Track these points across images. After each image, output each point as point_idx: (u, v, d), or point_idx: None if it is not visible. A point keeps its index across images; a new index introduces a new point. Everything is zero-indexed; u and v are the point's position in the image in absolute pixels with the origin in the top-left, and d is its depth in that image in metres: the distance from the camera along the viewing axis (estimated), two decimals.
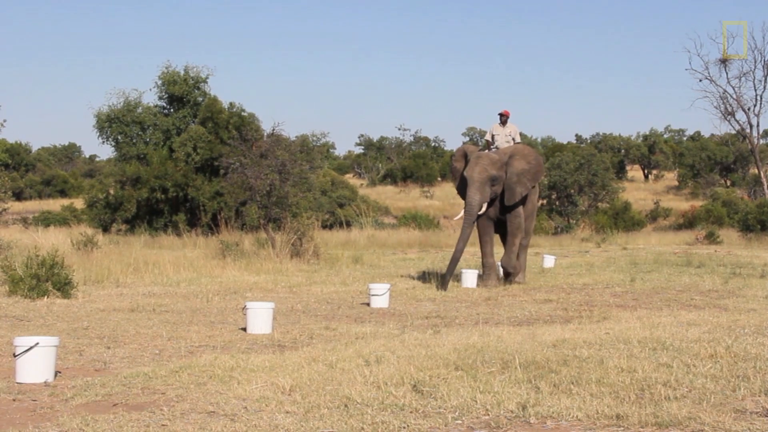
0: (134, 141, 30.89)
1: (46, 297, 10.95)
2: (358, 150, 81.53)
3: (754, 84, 38.50)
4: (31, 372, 5.84)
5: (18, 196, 50.44)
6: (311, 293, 12.03)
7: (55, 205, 48.96)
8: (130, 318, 9.35)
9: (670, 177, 66.89)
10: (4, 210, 21.48)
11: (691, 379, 5.37)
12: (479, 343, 6.78)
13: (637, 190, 58.98)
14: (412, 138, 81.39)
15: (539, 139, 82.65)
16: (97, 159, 75.95)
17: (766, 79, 38.18)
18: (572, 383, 5.29)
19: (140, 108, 31.24)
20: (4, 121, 19.81)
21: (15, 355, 5.92)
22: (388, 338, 7.56)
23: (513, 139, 13.38)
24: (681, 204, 49.50)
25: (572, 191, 40.36)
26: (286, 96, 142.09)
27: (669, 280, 13.65)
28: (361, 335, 7.93)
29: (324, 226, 29.32)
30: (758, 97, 38.49)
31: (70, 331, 8.35)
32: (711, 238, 27.85)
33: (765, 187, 38.53)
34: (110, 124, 30.77)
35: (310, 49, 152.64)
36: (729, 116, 39.20)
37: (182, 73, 30.98)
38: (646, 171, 71.46)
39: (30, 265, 11.26)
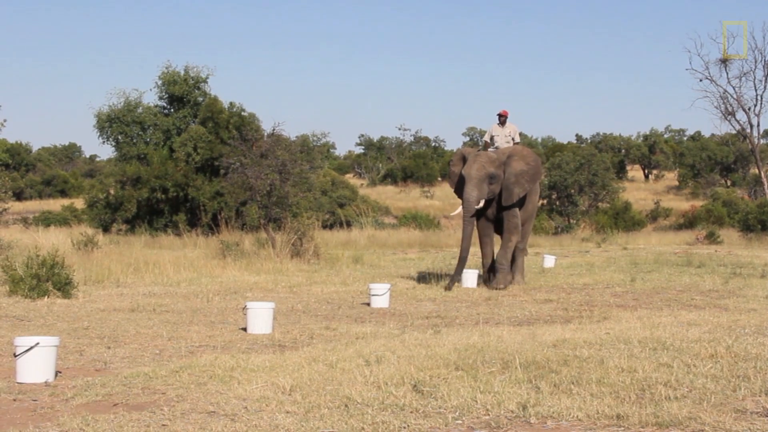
0: (134, 141, 30.91)
1: (46, 297, 10.95)
2: (359, 150, 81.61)
3: (754, 84, 38.50)
4: (32, 372, 5.84)
5: (18, 196, 50.44)
6: (311, 293, 12.03)
7: (55, 205, 49.00)
8: (130, 318, 9.35)
9: (671, 177, 66.90)
10: (5, 210, 21.50)
11: (692, 379, 5.36)
12: (479, 343, 6.78)
13: (638, 190, 58.99)
14: (412, 138, 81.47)
15: (539, 139, 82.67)
16: (98, 159, 76.00)
17: (766, 79, 38.17)
18: (573, 383, 5.29)
19: (140, 108, 31.26)
20: (5, 121, 19.83)
21: (15, 355, 5.92)
22: (388, 338, 7.56)
23: (513, 139, 13.36)
24: (681, 204, 49.52)
25: (572, 191, 40.38)
26: (286, 96, 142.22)
27: (669, 280, 13.65)
28: (361, 335, 7.93)
29: (324, 226, 29.32)
30: (758, 97, 38.48)
31: (70, 331, 8.35)
32: (711, 238, 27.85)
33: (765, 187, 38.51)
34: (111, 124, 30.79)
35: (311, 49, 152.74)
36: (729, 116, 39.20)
37: (182, 73, 31.00)
38: (646, 171, 71.47)
39: (30, 265, 11.26)
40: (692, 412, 4.58)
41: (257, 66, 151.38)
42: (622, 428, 4.40)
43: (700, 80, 39.08)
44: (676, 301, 10.77)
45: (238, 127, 27.79)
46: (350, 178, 63.19)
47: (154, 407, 4.98)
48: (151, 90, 33.41)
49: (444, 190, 57.54)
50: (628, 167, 71.29)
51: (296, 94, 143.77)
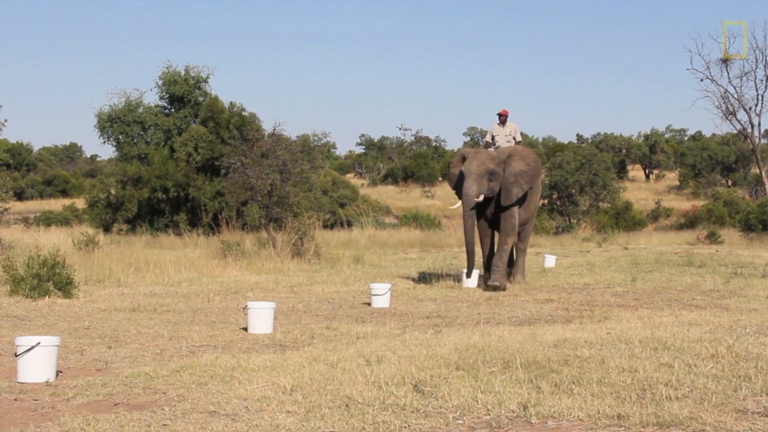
0: (135, 141, 30.92)
1: (47, 297, 10.96)
2: (359, 150, 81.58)
3: (755, 83, 38.46)
4: (33, 372, 5.84)
5: (19, 196, 50.47)
6: (312, 293, 12.03)
7: (56, 205, 49.04)
8: (131, 318, 9.35)
9: (672, 177, 66.87)
10: (6, 210, 21.52)
11: (693, 379, 5.36)
12: (480, 343, 6.78)
13: (638, 190, 58.97)
14: (413, 138, 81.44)
15: (540, 139, 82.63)
16: (99, 159, 76.01)
17: (767, 79, 38.17)
18: (573, 383, 5.29)
19: (141, 108, 31.28)
20: (6, 121, 19.91)
21: (16, 355, 5.92)
22: (389, 338, 7.56)
23: (513, 138, 13.34)
24: (682, 204, 49.51)
25: (573, 191, 40.35)
26: (287, 96, 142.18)
27: (670, 279, 13.65)
28: (362, 335, 7.93)
29: (325, 226, 29.33)
30: (759, 97, 38.46)
31: (71, 330, 8.36)
32: (712, 238, 27.84)
33: (766, 186, 38.50)
34: (111, 124, 30.82)
35: (311, 49, 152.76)
36: (730, 116, 39.18)
37: (183, 73, 31.02)
38: (647, 171, 71.45)
39: (31, 264, 11.26)
40: (693, 412, 4.58)
41: (258, 66, 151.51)
42: (623, 428, 4.40)
43: (701, 80, 39.09)
44: (677, 301, 10.77)
45: (238, 126, 27.81)
46: (351, 178, 63.20)
47: (155, 407, 4.98)
48: (151, 90, 33.55)
49: (445, 190, 57.52)
50: (629, 167, 71.29)
51: (297, 94, 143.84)
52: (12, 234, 22.33)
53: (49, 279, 11.15)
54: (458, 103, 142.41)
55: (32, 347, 5.85)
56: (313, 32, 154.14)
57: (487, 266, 13.08)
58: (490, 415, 4.67)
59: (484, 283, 12.97)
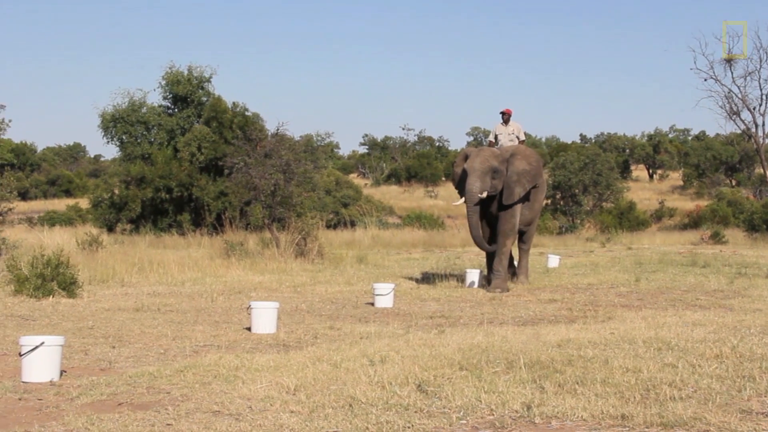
0: (139, 141, 30.95)
1: (51, 296, 10.97)
2: (363, 150, 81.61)
3: (759, 83, 38.36)
4: (37, 371, 5.85)
5: (23, 195, 50.58)
6: (316, 293, 12.04)
7: (60, 204, 49.09)
8: (135, 317, 9.36)
9: (675, 177, 66.79)
10: (10, 210, 21.50)
11: (697, 380, 5.35)
12: (484, 343, 6.77)
13: (642, 190, 58.89)
14: (416, 138, 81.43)
15: (543, 139, 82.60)
16: (102, 159, 76.08)
17: None
18: (577, 383, 5.28)
19: (145, 108, 31.31)
20: (10, 120, 19.84)
21: (21, 355, 5.93)
22: (392, 338, 7.56)
23: (517, 137, 13.32)
24: (686, 204, 49.44)
25: (577, 191, 40.33)
26: (290, 96, 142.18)
27: (674, 280, 13.63)
28: (365, 335, 7.93)
29: (328, 226, 29.38)
30: (764, 97, 38.35)
31: (75, 330, 8.37)
32: (716, 238, 27.80)
33: None
34: (115, 124, 30.85)
35: (314, 49, 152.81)
36: (734, 116, 39.09)
37: (186, 73, 31.04)
38: (650, 171, 71.34)
39: (35, 264, 11.28)
40: (697, 412, 4.57)
41: (261, 66, 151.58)
42: (627, 428, 4.40)
43: (705, 80, 39.01)
44: (680, 301, 10.75)
45: (242, 126, 27.81)
46: (354, 178, 63.17)
47: (158, 407, 4.99)
48: (155, 90, 33.59)
49: (448, 190, 57.51)
50: (633, 167, 71.17)
51: (300, 94, 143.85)
52: (16, 234, 22.34)
53: (53, 279, 11.16)
54: (461, 103, 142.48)
55: (36, 347, 5.86)
56: (316, 32, 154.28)
57: (489, 267, 13.07)
58: (493, 415, 4.67)
59: (487, 283, 12.97)
